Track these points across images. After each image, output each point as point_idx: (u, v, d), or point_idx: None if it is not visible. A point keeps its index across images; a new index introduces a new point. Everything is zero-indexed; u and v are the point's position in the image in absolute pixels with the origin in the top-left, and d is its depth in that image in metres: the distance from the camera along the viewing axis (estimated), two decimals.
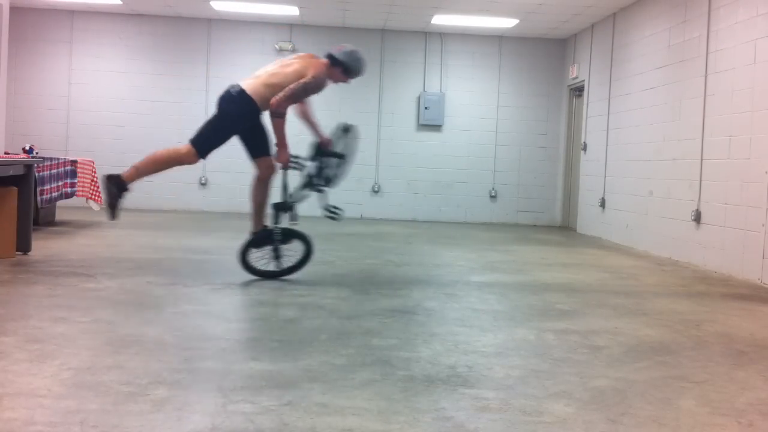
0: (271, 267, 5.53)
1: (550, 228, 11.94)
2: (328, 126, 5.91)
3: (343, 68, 5.37)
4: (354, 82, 5.64)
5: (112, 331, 3.76)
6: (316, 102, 12.45)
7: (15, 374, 2.94)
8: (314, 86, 5.20)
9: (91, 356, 3.25)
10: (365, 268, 6.46)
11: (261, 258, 5.54)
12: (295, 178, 5.45)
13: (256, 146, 5.46)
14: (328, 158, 5.45)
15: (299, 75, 5.18)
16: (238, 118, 5.27)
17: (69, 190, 8.37)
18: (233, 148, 5.59)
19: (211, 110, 5.36)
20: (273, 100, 5.09)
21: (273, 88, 5.16)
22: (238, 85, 5.25)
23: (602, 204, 10.28)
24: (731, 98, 7.05)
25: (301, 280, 5.57)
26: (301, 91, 5.17)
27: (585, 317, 4.66)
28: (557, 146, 12.47)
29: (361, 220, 11.92)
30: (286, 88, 5.10)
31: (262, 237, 5.51)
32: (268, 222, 5.55)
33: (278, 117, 5.12)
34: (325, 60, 5.36)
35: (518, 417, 2.70)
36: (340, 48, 5.44)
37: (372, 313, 4.49)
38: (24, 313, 4.10)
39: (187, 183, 12.01)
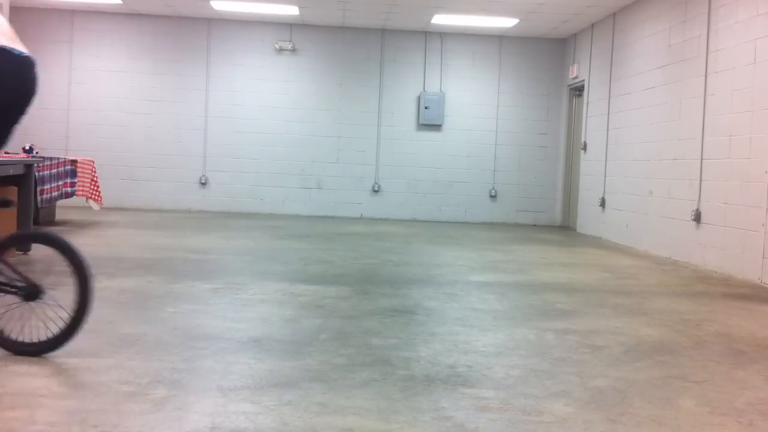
0: None
1: (550, 228, 11.94)
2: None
3: None
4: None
5: (112, 331, 3.76)
6: (317, 100, 12.54)
7: (15, 374, 2.94)
8: None
9: (91, 356, 3.25)
10: (365, 268, 6.46)
11: None
12: None
13: None
14: None
15: None
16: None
17: (69, 189, 8.37)
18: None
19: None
20: None
21: None
22: None
23: (602, 204, 10.27)
24: (731, 98, 7.05)
25: (301, 280, 5.57)
26: None
27: (585, 317, 4.66)
28: (557, 146, 12.46)
29: (361, 219, 11.92)
30: None
31: None
32: None
33: None
34: None
35: (518, 417, 2.70)
36: None
37: (372, 313, 4.49)
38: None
39: (187, 183, 12.01)
